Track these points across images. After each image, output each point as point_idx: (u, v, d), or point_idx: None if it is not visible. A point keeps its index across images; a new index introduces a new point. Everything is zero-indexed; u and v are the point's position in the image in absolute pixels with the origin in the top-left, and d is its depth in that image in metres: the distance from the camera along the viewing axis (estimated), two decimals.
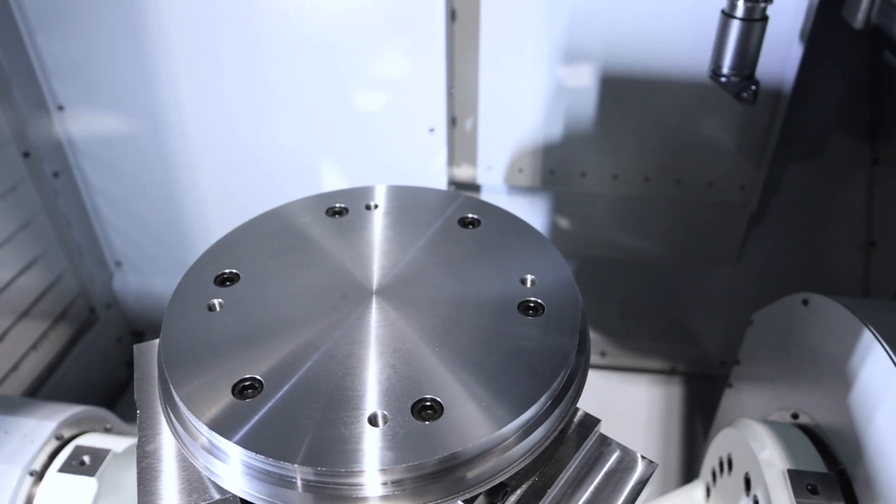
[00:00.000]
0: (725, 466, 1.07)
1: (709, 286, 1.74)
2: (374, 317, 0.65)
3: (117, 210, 1.74)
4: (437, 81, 1.37)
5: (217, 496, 0.59)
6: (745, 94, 1.06)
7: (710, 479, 1.16)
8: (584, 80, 1.41)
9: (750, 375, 1.34)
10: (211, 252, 0.73)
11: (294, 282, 0.69)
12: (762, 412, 1.17)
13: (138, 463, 0.61)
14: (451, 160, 1.51)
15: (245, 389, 0.57)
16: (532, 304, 0.66)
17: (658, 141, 1.50)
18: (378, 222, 0.78)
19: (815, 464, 0.88)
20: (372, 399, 0.56)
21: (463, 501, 0.56)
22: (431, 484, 0.53)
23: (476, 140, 1.53)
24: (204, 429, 0.54)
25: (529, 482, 0.62)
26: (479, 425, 0.54)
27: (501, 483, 0.59)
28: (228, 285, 0.68)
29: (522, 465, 0.58)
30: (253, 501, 0.55)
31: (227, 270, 0.70)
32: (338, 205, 0.80)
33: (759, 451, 0.91)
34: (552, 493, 0.62)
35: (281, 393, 0.56)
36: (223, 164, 1.57)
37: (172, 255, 1.78)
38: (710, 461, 1.16)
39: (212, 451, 0.55)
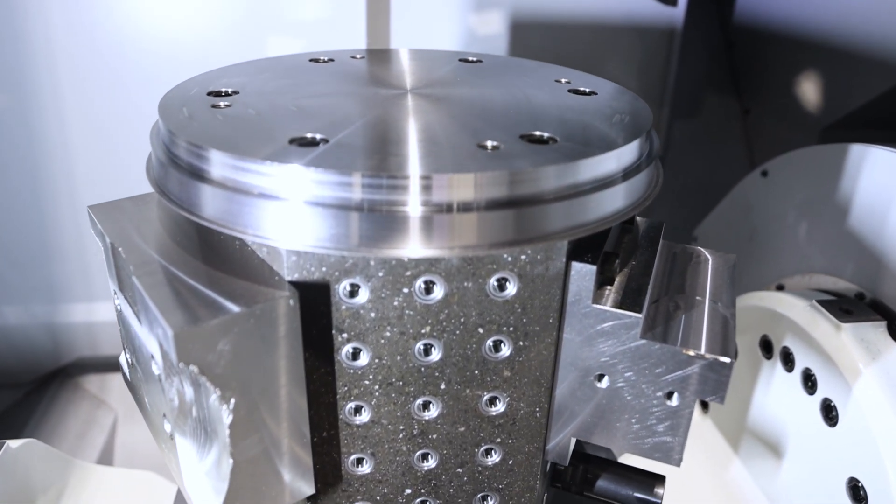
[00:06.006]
0: None
1: None
2: (425, 100, 0.55)
3: None
4: (357, 22, 1.29)
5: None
6: None
7: None
8: (495, 26, 1.40)
9: None
10: (187, 84, 0.59)
11: (307, 89, 0.57)
12: None
13: (143, 281, 0.45)
14: None
15: (306, 143, 0.45)
16: (582, 90, 0.60)
17: None
18: (377, 63, 0.69)
19: (828, 296, 0.86)
20: (472, 132, 0.46)
21: (588, 257, 0.47)
22: (561, 201, 0.44)
23: None
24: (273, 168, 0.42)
25: (629, 267, 0.54)
26: (595, 147, 0.46)
27: (613, 255, 0.51)
28: (227, 96, 0.55)
29: (647, 201, 0.50)
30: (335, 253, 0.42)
31: (221, 89, 0.56)
32: (322, 58, 0.70)
33: (775, 305, 0.88)
34: (655, 271, 0.54)
35: (359, 137, 0.45)
36: (109, 150, 1.34)
37: (31, 279, 1.43)
38: None
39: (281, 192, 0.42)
